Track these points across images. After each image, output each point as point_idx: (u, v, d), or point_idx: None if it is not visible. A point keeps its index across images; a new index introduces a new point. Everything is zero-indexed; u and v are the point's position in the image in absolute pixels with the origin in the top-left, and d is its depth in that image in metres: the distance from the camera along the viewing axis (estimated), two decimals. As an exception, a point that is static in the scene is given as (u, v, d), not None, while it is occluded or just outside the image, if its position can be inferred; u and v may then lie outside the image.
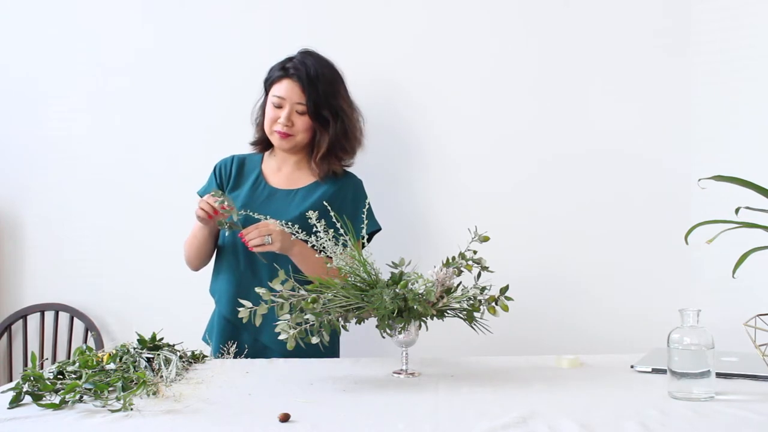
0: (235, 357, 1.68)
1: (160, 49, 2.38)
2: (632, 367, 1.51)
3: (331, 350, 1.85)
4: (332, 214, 1.60)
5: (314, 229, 1.54)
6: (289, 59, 1.92)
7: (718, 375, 1.34)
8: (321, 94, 1.88)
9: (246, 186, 1.95)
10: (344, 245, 1.52)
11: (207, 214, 1.75)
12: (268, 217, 1.73)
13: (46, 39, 2.41)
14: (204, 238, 1.89)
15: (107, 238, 2.39)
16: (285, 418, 1.14)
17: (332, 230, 1.54)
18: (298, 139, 1.91)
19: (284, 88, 1.88)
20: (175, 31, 2.37)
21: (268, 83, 1.93)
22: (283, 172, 1.97)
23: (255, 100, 2.02)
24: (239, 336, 1.84)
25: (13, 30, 2.42)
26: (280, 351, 1.67)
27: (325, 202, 1.70)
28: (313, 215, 1.55)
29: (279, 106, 1.89)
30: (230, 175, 1.97)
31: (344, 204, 1.89)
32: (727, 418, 1.14)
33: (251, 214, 1.74)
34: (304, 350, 1.46)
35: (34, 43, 2.42)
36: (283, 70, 1.90)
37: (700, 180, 1.30)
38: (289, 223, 1.64)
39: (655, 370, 1.47)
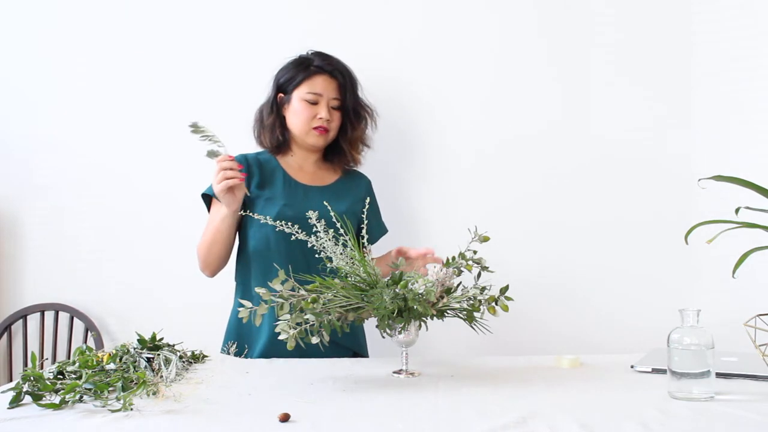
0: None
1: (160, 49, 2.38)
2: (632, 367, 1.51)
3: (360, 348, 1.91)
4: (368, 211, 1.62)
5: (360, 225, 1.56)
6: (308, 59, 1.90)
7: (718, 375, 1.34)
8: (354, 91, 1.92)
9: (278, 184, 1.88)
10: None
11: (236, 177, 1.67)
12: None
13: (47, 38, 2.41)
14: (229, 229, 1.78)
15: (107, 239, 2.39)
16: (285, 418, 1.14)
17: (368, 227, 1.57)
18: (331, 136, 1.92)
19: (320, 84, 1.87)
20: (175, 32, 2.37)
21: (294, 83, 1.88)
22: (306, 171, 1.94)
23: (256, 99, 1.97)
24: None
25: (13, 30, 2.42)
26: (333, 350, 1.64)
27: (366, 200, 1.62)
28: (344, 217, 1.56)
29: (315, 103, 1.87)
30: (250, 172, 1.87)
31: (373, 200, 1.90)
32: (727, 418, 1.14)
33: (333, 220, 1.56)
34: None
35: (34, 42, 2.42)
36: (313, 68, 1.88)
37: (700, 180, 1.30)
38: (335, 215, 1.55)
39: (655, 370, 1.47)
